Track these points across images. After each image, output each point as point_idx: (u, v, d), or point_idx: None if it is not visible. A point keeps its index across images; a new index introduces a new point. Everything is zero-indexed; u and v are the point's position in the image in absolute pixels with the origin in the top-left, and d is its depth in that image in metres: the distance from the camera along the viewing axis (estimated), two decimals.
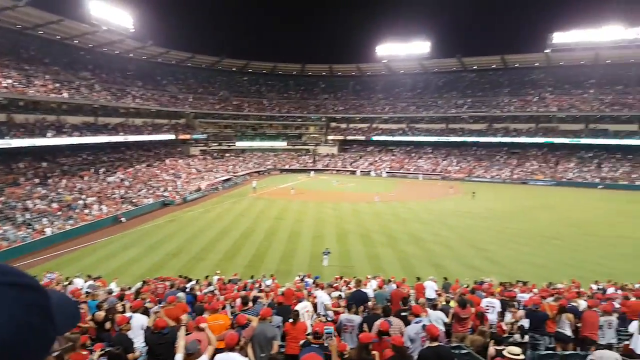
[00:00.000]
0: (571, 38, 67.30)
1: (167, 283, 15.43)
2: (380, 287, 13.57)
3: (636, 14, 61.87)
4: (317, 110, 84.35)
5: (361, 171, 73.42)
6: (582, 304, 10.80)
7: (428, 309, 9.53)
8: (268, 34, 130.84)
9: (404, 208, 42.07)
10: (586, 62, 71.41)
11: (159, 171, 54.02)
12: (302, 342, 6.57)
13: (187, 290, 13.13)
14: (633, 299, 11.61)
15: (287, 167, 76.66)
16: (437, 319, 9.02)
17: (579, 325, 8.98)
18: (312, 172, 71.35)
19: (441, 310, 9.85)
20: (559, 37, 67.97)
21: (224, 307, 10.39)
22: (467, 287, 14.21)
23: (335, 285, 14.41)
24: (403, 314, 8.68)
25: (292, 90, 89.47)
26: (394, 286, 13.50)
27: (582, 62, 71.60)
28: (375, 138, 79.96)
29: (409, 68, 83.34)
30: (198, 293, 12.57)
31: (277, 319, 8.07)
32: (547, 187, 58.20)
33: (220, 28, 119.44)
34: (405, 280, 15.63)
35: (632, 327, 8.32)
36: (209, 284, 16.33)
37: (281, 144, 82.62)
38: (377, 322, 7.07)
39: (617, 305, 10.90)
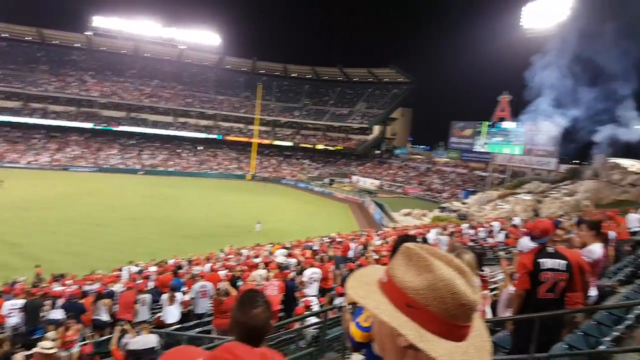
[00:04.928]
0: (112, 25, 68.47)
1: None
2: None
3: (173, 15, 71.51)
4: None
5: None
6: (118, 287, 11.20)
7: None
8: None
9: None
10: (127, 52, 74.87)
11: None
12: None
13: None
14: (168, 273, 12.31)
15: None
16: None
17: (116, 308, 9.19)
18: None
19: None
20: (100, 21, 67.75)
21: None
22: None
23: None
24: None
25: None
26: None
27: (124, 51, 74.67)
28: None
29: None
30: None
31: None
32: (90, 174, 56.55)
33: None
34: None
35: (163, 299, 9.14)
36: None
37: None
38: None
39: (151, 284, 11.67)
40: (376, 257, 10.79)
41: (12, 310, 9.09)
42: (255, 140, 69.27)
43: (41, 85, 65.76)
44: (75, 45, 73.32)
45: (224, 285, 8.40)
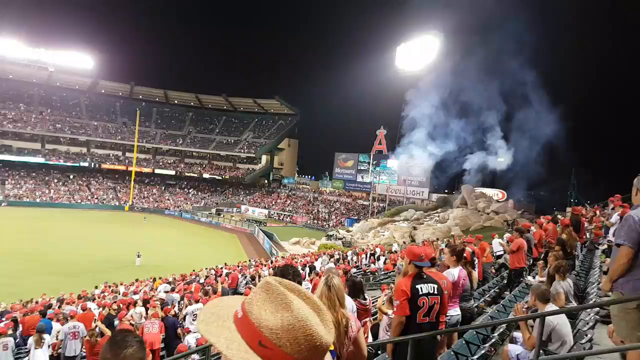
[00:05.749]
0: None
1: None
2: None
3: (41, 35, 64.52)
4: None
5: None
6: None
7: None
8: None
9: None
10: None
11: None
12: None
13: None
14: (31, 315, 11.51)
15: None
16: None
17: None
18: None
19: None
20: None
21: None
22: None
23: None
24: None
25: None
26: None
27: None
28: None
29: None
30: None
31: None
32: None
33: None
34: None
35: (29, 342, 8.34)
36: None
37: None
38: None
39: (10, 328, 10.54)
40: None
41: None
42: (134, 169, 64.76)
43: None
44: None
45: (99, 325, 7.80)
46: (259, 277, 14.68)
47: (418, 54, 53.16)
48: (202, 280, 15.58)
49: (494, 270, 10.22)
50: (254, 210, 63.87)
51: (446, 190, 54.54)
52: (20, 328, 10.48)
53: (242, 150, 76.29)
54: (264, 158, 77.92)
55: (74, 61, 69.34)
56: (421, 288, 3.67)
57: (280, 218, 59.79)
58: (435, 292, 3.74)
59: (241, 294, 11.51)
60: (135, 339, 1.67)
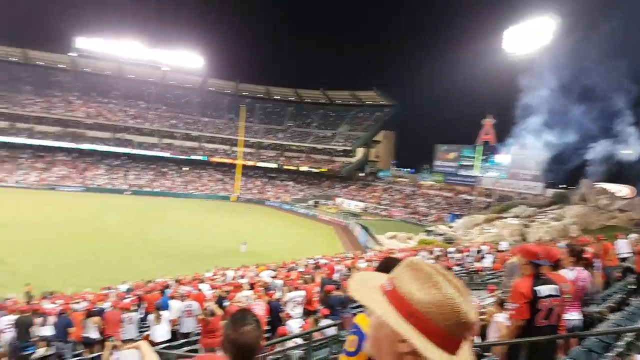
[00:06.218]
0: (95, 46, 68.47)
1: None
2: None
3: (157, 36, 71.59)
4: None
5: None
6: (107, 305, 11.13)
7: None
8: None
9: None
10: (111, 73, 74.61)
11: None
12: None
13: None
14: (155, 292, 12.29)
15: None
16: None
17: (104, 326, 9.18)
18: None
19: None
20: (83, 43, 67.84)
21: None
22: None
23: None
24: None
25: None
26: None
27: (108, 72, 74.47)
28: None
29: None
30: None
31: None
32: (77, 193, 56.17)
33: None
34: None
35: (150, 318, 9.14)
36: None
37: None
38: None
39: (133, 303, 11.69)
40: None
41: (7, 326, 9.31)
42: (239, 162, 69.04)
43: (27, 106, 65.07)
44: (60, 66, 72.92)
45: (210, 305, 8.39)
46: (356, 269, 14.61)
47: (530, 37, 48.74)
48: (301, 269, 15.96)
49: (619, 275, 8.92)
50: (349, 202, 64.25)
51: (563, 185, 49.47)
52: (144, 305, 11.37)
53: (338, 143, 77.17)
54: (359, 151, 77.99)
55: (186, 61, 75.50)
56: (541, 290, 3.40)
57: (377, 212, 59.40)
58: (556, 293, 3.45)
59: (338, 284, 11.53)
60: (253, 317, 1.82)
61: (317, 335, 6.74)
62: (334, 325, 6.84)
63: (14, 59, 70.36)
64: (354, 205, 62.65)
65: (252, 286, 11.18)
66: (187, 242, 32.76)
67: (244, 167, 70.80)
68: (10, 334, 9.24)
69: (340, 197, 67.82)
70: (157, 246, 30.70)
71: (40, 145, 64.12)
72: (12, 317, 9.60)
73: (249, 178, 72.92)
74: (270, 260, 22.53)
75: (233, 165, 70.36)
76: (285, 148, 79.11)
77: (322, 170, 76.21)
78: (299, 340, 6.65)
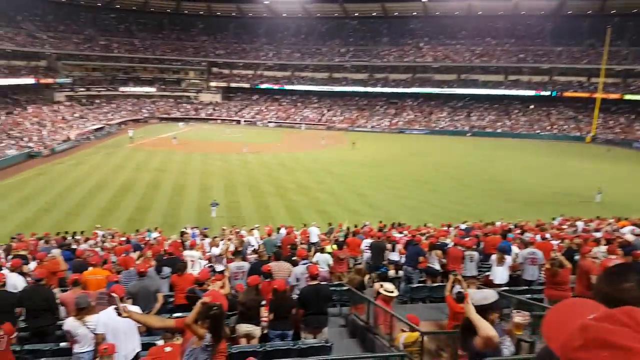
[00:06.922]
0: None
1: (41, 240, 14.47)
2: (269, 235, 13.79)
3: None
4: (196, 54, 78.18)
5: (245, 121, 70.84)
6: (448, 241, 11.89)
7: (317, 253, 10.48)
8: None
9: (291, 158, 41.77)
10: (460, 13, 74.95)
11: (21, 119, 47.64)
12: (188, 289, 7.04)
13: (64, 246, 12.87)
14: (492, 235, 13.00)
15: (166, 115, 71.21)
16: (323, 261, 9.70)
17: (444, 260, 9.96)
18: (182, 123, 65.17)
19: (329, 253, 10.53)
20: None
21: (105, 262, 9.97)
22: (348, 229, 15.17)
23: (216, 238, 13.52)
24: (294, 258, 9.15)
25: (166, 30, 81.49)
26: (283, 232, 14.00)
27: (457, 12, 75.18)
28: (261, 86, 77.52)
29: (292, 11, 79.87)
30: (76, 247, 12.44)
31: (166, 270, 8.90)
32: (421, 136, 61.76)
33: None
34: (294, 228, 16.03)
35: (492, 259, 9.36)
36: (87, 240, 15.74)
37: (155, 90, 75.68)
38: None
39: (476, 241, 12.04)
40: None
41: (366, 247, 11.70)
42: (599, 96, 58.25)
43: (383, 57, 75.10)
44: (413, 14, 78.65)
45: (559, 256, 7.99)
46: None
47: None
48: None
49: None
50: None
51: None
52: (482, 245, 11.66)
53: None
54: None
55: None
56: None
57: None
58: None
59: None
60: (635, 276, 1.55)
61: None
62: None
63: (374, 14, 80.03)
64: None
65: (608, 242, 9.90)
66: (529, 186, 31.50)
67: (605, 101, 59.27)
68: (367, 254, 11.35)
69: None
70: (497, 189, 30.77)
71: (392, 92, 73.16)
72: (369, 241, 11.82)
73: (610, 114, 61.11)
74: (632, 215, 19.14)
75: (589, 101, 60.48)
76: None
77: None
78: None
